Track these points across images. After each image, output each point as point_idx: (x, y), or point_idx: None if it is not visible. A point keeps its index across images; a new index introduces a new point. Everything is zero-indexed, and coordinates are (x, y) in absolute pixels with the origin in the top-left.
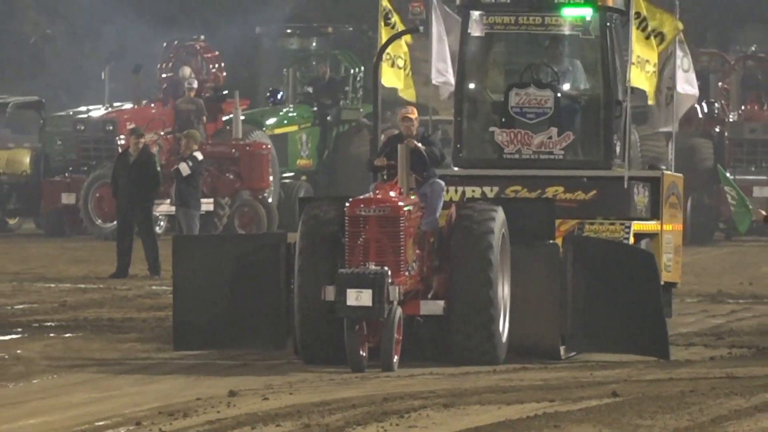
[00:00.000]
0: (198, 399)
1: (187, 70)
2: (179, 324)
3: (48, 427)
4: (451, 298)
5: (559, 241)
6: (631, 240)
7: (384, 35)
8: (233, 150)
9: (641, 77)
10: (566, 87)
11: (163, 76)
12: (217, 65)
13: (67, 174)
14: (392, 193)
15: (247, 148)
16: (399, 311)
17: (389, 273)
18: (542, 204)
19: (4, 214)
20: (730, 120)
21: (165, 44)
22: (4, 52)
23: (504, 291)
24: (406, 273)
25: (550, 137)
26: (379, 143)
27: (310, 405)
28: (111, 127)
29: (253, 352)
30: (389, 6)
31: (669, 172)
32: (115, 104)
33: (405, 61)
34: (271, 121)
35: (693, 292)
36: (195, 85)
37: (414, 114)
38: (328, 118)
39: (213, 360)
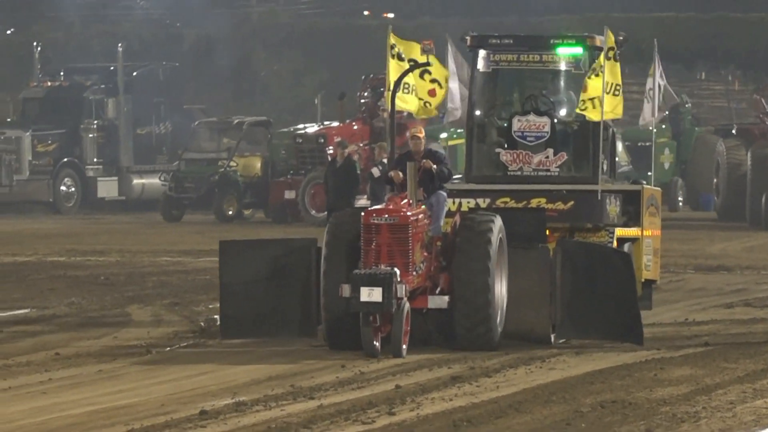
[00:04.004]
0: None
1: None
2: (225, 316)
3: (273, 371)
4: (455, 293)
5: (553, 244)
6: (615, 243)
7: (391, 68)
8: None
9: (614, 102)
10: (561, 114)
11: (362, 101)
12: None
13: (288, 176)
14: (402, 204)
15: None
16: (407, 305)
17: (398, 273)
18: (535, 213)
19: (241, 207)
20: None
21: (363, 77)
22: (242, 84)
23: (501, 288)
24: (414, 273)
25: (547, 157)
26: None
27: (475, 352)
28: (322, 140)
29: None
30: (396, 41)
31: (648, 187)
32: (325, 122)
33: (417, 87)
34: (443, 135)
35: None
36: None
37: (421, 133)
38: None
39: None
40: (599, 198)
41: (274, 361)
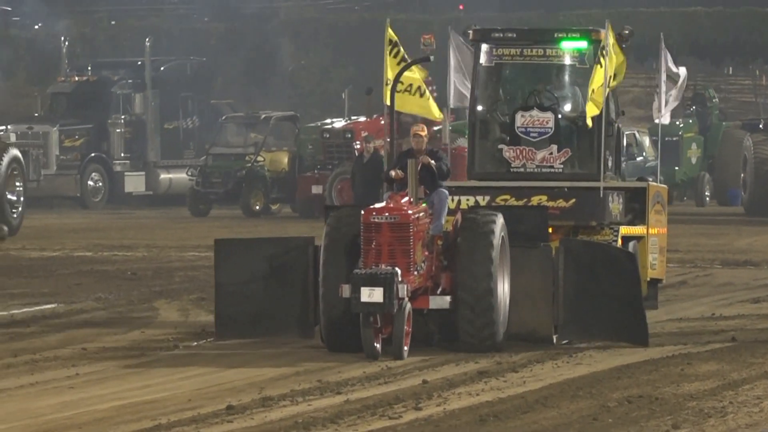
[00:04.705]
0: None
1: None
2: (221, 316)
3: (299, 366)
4: (457, 293)
5: (555, 243)
6: (619, 242)
7: (389, 65)
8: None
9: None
10: (565, 109)
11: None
12: (430, 87)
13: (316, 170)
14: (403, 203)
15: (453, 150)
16: (408, 306)
17: (399, 273)
18: (537, 211)
19: (268, 202)
20: None
21: None
22: (269, 79)
23: (504, 287)
24: (415, 272)
25: (551, 153)
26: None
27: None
28: (349, 135)
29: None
30: (395, 38)
31: (654, 184)
32: (353, 117)
33: (420, 87)
34: None
35: None
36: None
37: (424, 131)
38: None
39: None
40: (601, 195)
41: (300, 356)
